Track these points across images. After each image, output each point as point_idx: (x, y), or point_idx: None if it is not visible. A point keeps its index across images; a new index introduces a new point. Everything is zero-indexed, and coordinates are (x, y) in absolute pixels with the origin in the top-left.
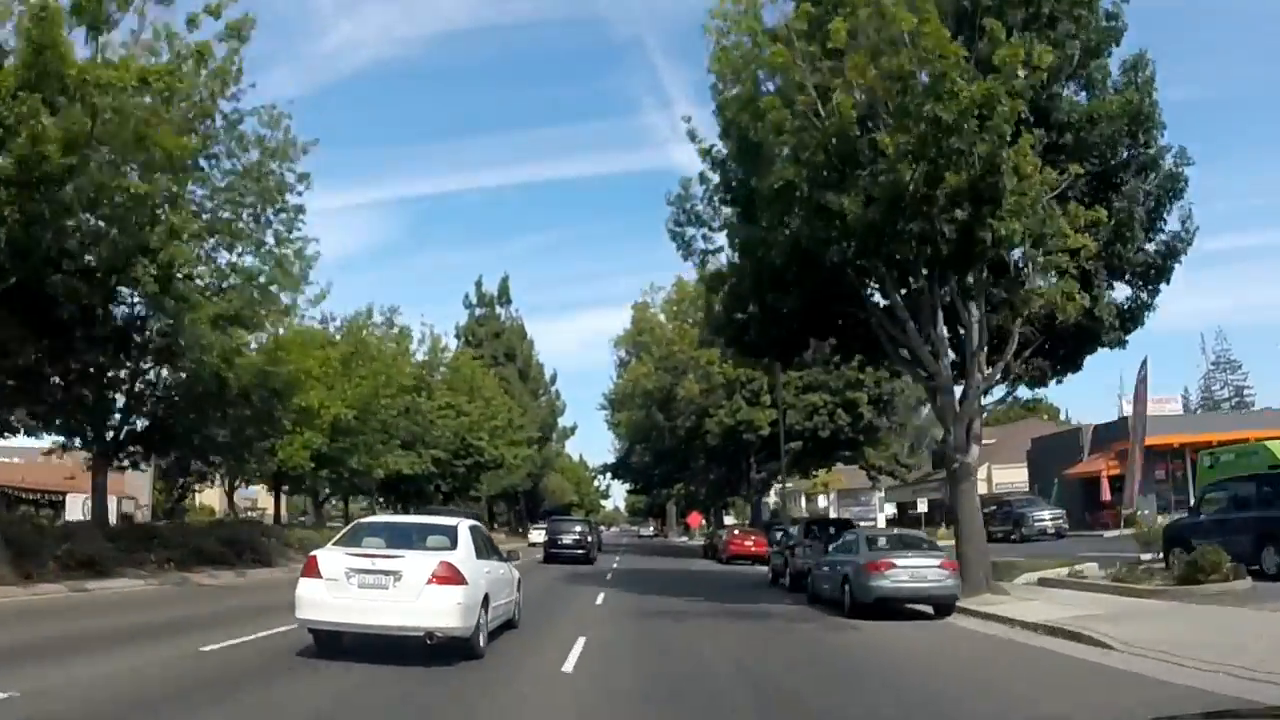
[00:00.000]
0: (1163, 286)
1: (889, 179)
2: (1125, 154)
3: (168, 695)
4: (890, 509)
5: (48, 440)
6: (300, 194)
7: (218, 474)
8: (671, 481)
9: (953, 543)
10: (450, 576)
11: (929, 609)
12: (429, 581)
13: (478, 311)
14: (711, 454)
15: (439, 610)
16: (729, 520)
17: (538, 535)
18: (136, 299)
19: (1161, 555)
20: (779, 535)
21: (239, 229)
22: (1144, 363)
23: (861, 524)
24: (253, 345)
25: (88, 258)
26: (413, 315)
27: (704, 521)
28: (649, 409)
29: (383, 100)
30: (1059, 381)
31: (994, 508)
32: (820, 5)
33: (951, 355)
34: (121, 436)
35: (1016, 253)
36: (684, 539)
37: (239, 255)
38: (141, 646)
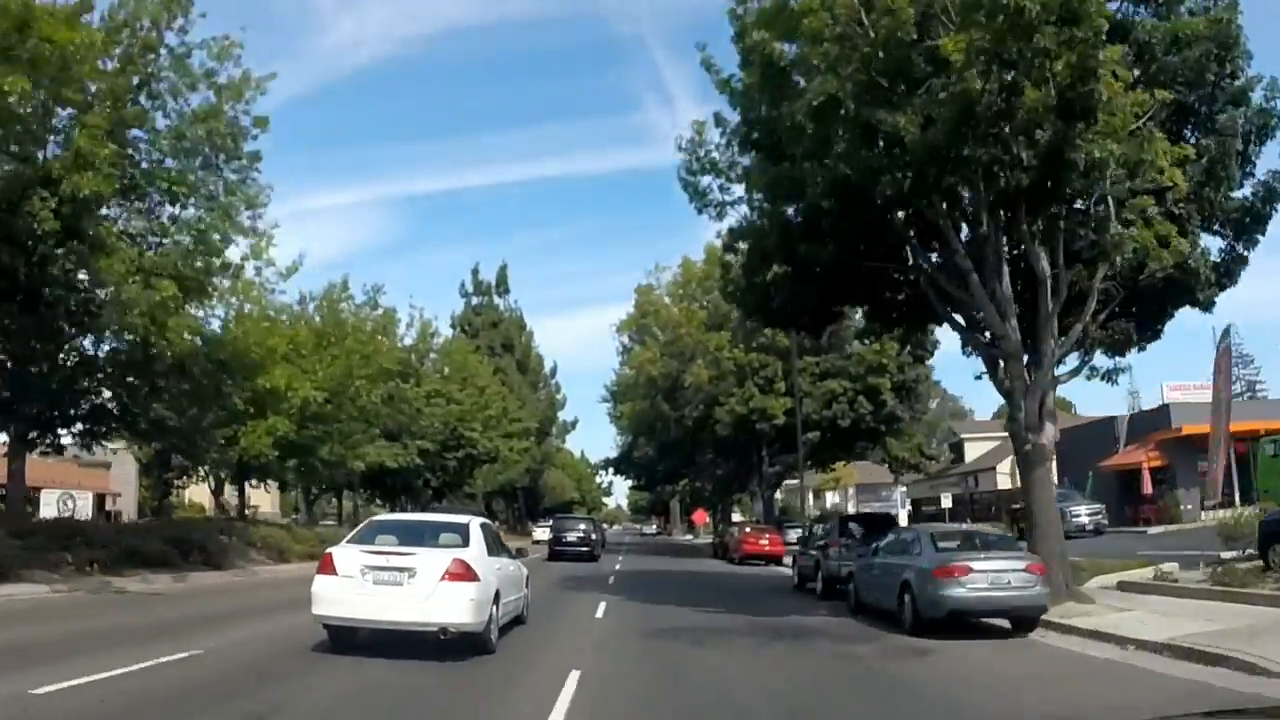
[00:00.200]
0: (1259, 238)
1: (955, 91)
2: (1212, 84)
3: None
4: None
5: None
6: (256, 138)
7: (201, 469)
8: (676, 477)
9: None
10: (463, 573)
11: (1004, 622)
12: (443, 578)
13: (474, 300)
14: (720, 446)
15: (453, 606)
16: (736, 518)
17: (542, 533)
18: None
19: (1253, 552)
20: (808, 533)
21: (183, 177)
22: (1226, 331)
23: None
24: (213, 323)
25: None
26: (400, 297)
27: (708, 520)
28: (654, 398)
29: (384, 98)
30: (1140, 348)
31: (1025, 503)
32: None
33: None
34: (45, 416)
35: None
36: (688, 537)
37: (181, 210)
38: None
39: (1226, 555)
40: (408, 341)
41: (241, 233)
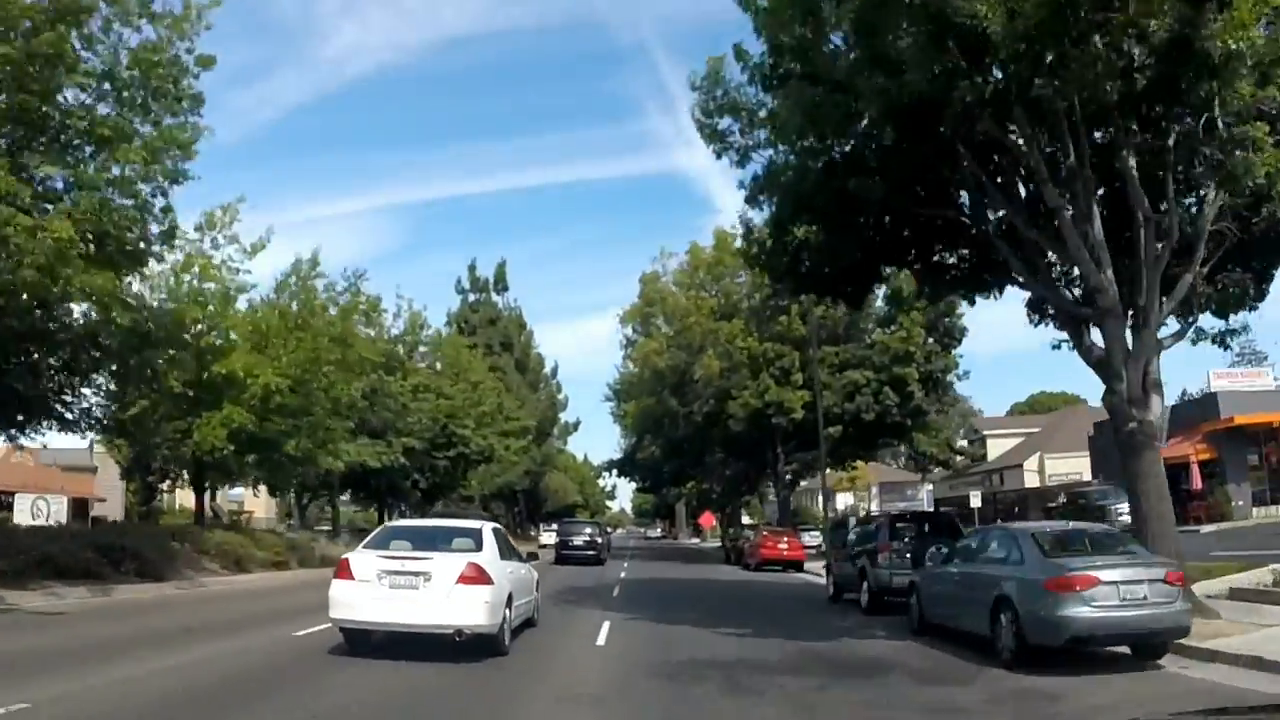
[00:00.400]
0: None
1: None
2: None
3: None
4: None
5: None
6: (198, 76)
7: (184, 472)
8: (683, 479)
9: None
10: (477, 577)
11: (1120, 647)
12: (457, 581)
13: (471, 298)
14: (731, 444)
15: (467, 609)
16: (746, 520)
17: (548, 537)
18: None
19: None
20: (848, 535)
21: (119, 125)
22: None
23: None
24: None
25: None
26: (386, 286)
27: (716, 523)
28: (660, 393)
29: (386, 105)
30: (1253, 307)
31: (1064, 500)
32: None
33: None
34: None
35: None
36: (695, 541)
37: (107, 160)
38: None
39: None
40: (395, 333)
41: (168, 176)
